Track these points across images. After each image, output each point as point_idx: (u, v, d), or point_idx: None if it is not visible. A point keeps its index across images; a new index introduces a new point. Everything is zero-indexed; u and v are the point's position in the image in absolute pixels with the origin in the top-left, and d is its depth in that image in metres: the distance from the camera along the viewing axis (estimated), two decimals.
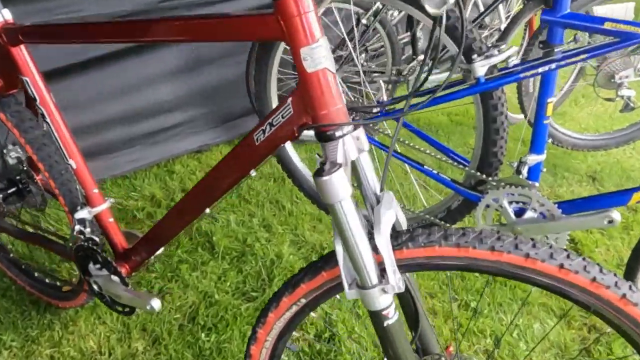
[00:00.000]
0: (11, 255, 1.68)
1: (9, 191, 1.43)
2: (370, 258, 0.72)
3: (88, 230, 1.21)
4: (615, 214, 1.22)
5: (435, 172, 1.48)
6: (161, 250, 1.28)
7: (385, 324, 0.74)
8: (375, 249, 0.73)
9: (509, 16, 2.77)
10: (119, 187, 2.34)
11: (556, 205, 1.32)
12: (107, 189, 2.32)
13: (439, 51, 0.74)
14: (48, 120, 1.16)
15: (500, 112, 1.31)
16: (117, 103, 2.32)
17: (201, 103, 2.55)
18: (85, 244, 1.20)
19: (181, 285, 1.77)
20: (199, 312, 1.65)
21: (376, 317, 0.75)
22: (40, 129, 1.25)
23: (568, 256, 0.72)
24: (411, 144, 1.50)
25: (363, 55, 2.77)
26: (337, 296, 0.80)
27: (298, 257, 1.90)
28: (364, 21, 2.35)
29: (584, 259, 0.72)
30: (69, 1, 2.00)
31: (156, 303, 1.11)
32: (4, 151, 1.36)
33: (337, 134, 0.70)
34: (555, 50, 1.26)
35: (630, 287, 0.71)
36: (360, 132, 0.79)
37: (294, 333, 0.94)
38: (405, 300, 0.93)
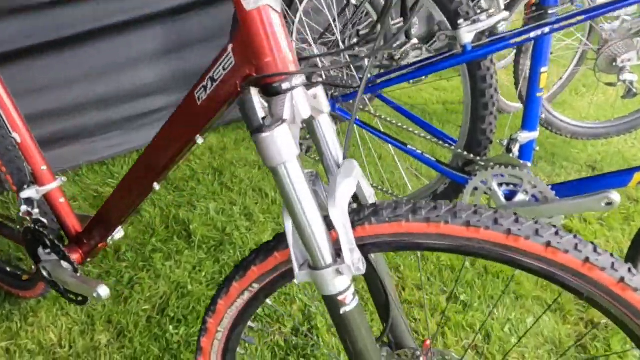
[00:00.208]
0: None
1: None
2: (323, 234, 0.61)
3: (36, 211, 1.10)
4: (615, 195, 1.10)
5: (419, 152, 1.36)
6: (120, 234, 1.18)
7: (341, 312, 0.63)
8: (331, 225, 0.62)
9: None
10: (95, 173, 2.24)
11: (550, 187, 1.21)
12: (82, 175, 2.22)
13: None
14: None
15: (489, 84, 1.19)
16: (96, 85, 2.21)
17: (184, 86, 2.43)
18: (33, 226, 1.10)
19: (153, 276, 1.67)
20: (170, 304, 1.55)
21: (331, 303, 0.64)
22: None
23: (556, 233, 0.61)
24: (394, 121, 1.39)
25: (355, 39, 2.66)
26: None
27: None
28: (353, 1, 2.23)
29: (575, 236, 0.61)
30: None
31: (103, 290, 1.00)
32: None
33: (284, 86, 0.59)
34: (549, 12, 1.13)
35: (629, 270, 0.60)
36: (319, 90, 0.68)
37: (250, 324, 0.83)
38: (376, 289, 0.82)
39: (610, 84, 2.16)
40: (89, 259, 1.16)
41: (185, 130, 0.73)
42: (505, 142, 1.26)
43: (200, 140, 0.75)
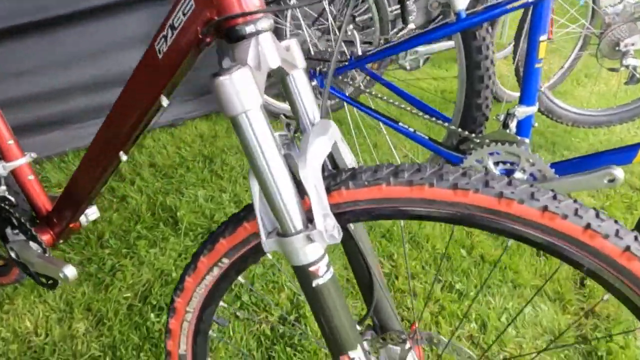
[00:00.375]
0: None
1: None
2: (292, 195, 0.55)
3: (2, 188, 1.04)
4: (618, 171, 1.03)
5: (411, 130, 1.29)
6: (95, 215, 1.12)
7: (314, 284, 0.57)
8: (304, 192, 0.56)
9: None
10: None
11: (549, 165, 1.14)
12: (68, 162, 2.15)
13: None
14: None
15: (485, 55, 1.12)
16: (82, 69, 2.15)
17: None
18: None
19: (136, 263, 1.60)
20: (153, 292, 1.48)
21: (302, 275, 0.57)
22: None
23: (554, 197, 0.54)
24: (384, 97, 1.31)
25: (351, 26, 2.60)
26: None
27: None
28: None
29: (574, 201, 0.55)
30: None
31: (70, 271, 0.94)
32: None
33: (248, 29, 0.52)
34: None
35: (635, 238, 0.54)
36: (292, 42, 0.61)
37: (223, 304, 0.77)
38: (359, 266, 0.76)
39: (612, 69, 2.09)
40: (61, 241, 1.10)
41: (147, 89, 0.67)
42: (501, 117, 1.19)
43: (165, 101, 0.69)
